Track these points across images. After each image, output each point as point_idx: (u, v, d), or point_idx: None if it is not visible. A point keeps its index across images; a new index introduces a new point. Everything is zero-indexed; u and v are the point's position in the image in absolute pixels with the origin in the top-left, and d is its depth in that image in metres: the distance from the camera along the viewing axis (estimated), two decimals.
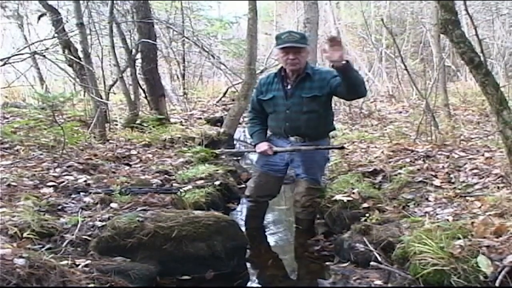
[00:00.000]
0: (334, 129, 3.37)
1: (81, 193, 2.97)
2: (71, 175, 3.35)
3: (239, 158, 5.74)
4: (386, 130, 5.80)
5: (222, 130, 6.11)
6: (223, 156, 4.91)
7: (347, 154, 4.61)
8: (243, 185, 4.03)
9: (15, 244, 2.04)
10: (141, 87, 6.26)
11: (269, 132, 3.32)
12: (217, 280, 2.39)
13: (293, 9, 14.27)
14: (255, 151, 3.30)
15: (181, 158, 4.36)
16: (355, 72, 2.73)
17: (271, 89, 3.13)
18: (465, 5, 3.57)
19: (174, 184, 3.52)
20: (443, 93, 5.39)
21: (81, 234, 2.31)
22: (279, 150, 3.15)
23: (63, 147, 3.84)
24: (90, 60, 5.05)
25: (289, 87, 3.07)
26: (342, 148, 3.57)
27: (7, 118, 5.48)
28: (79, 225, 2.37)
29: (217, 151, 4.45)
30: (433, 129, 4.59)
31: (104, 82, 6.74)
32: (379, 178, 3.48)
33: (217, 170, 4.00)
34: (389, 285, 2.11)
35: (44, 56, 6.01)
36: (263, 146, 3.17)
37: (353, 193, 3.07)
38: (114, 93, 7.46)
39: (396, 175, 3.36)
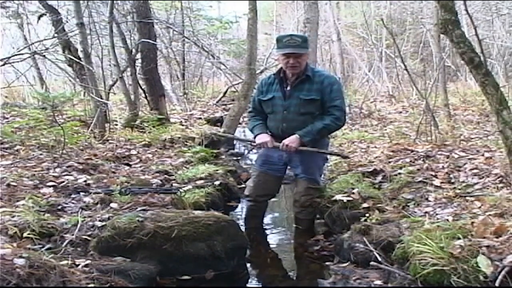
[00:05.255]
0: None
1: (81, 193, 2.97)
2: (71, 175, 3.35)
3: (239, 158, 5.74)
4: (386, 130, 5.81)
5: (222, 130, 6.10)
6: (223, 156, 4.91)
7: None
8: (243, 185, 4.03)
9: (15, 244, 2.04)
10: (141, 87, 6.26)
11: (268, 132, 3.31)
12: (217, 280, 2.39)
13: (293, 9, 14.27)
14: (254, 142, 3.23)
15: (181, 158, 4.36)
16: (316, 136, 3.01)
17: (271, 90, 3.14)
18: (465, 5, 3.58)
19: (174, 184, 3.52)
20: (443, 93, 5.39)
21: (81, 234, 2.31)
22: (278, 145, 3.06)
23: (63, 147, 3.84)
24: (90, 60, 5.06)
25: (288, 88, 3.08)
26: (346, 157, 3.56)
27: (7, 118, 5.48)
28: (79, 225, 2.36)
29: (214, 132, 4.33)
30: (433, 129, 4.60)
31: (104, 82, 6.74)
32: (379, 178, 3.48)
33: (217, 170, 4.01)
34: (389, 285, 2.11)
35: (44, 56, 6.02)
36: (263, 137, 3.11)
37: (353, 193, 3.07)
38: (114, 93, 7.46)
39: (396, 175, 3.36)
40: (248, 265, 2.66)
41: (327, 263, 2.59)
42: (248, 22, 6.10)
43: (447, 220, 2.33)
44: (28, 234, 2.19)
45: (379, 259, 2.24)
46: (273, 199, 3.43)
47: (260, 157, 3.31)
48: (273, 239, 3.17)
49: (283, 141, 3.00)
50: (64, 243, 2.23)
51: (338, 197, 3.06)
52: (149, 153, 4.53)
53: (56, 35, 5.69)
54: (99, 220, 2.44)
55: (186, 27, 9.56)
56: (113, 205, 2.76)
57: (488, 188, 2.75)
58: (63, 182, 3.14)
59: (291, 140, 2.98)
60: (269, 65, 9.40)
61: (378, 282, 2.15)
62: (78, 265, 1.99)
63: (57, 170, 3.44)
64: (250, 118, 3.34)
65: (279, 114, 3.09)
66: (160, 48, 8.34)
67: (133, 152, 4.46)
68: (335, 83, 3.09)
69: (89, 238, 2.29)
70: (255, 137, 3.19)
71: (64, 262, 1.94)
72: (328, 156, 3.62)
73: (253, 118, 3.29)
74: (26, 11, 7.21)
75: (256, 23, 6.19)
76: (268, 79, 3.20)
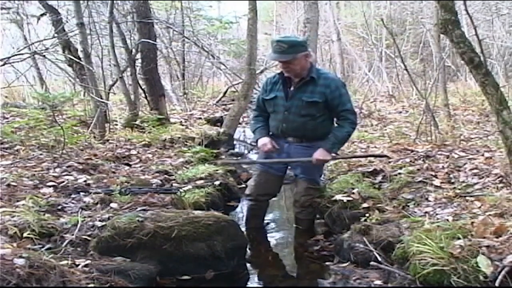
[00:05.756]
0: None
1: (81, 193, 2.97)
2: (71, 175, 3.35)
3: (239, 158, 5.73)
4: (386, 130, 5.80)
5: (222, 130, 6.10)
6: (223, 156, 4.91)
7: None
8: (243, 185, 4.03)
9: (15, 244, 2.04)
10: (141, 87, 6.25)
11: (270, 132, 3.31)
12: (217, 280, 2.39)
13: (293, 9, 14.26)
14: (256, 162, 3.26)
15: (181, 158, 4.36)
16: (341, 146, 3.20)
17: (274, 89, 3.14)
18: (465, 5, 3.58)
19: (174, 184, 3.52)
20: (443, 93, 5.39)
21: (81, 234, 2.31)
22: (311, 159, 3.02)
23: (63, 147, 3.84)
24: (90, 60, 5.05)
25: (291, 88, 3.07)
26: (387, 157, 3.57)
27: (7, 118, 5.48)
28: (79, 225, 2.37)
29: (225, 161, 4.38)
30: (433, 129, 4.60)
31: (104, 82, 6.74)
32: (379, 178, 3.48)
33: (217, 170, 4.00)
34: (389, 285, 2.12)
35: (44, 56, 6.02)
36: (264, 140, 3.13)
37: (353, 193, 3.07)
38: (114, 93, 7.46)
39: (396, 175, 3.36)
40: (248, 265, 2.66)
41: (327, 263, 2.59)
42: (248, 22, 6.10)
43: (447, 220, 2.33)
44: (28, 234, 2.19)
45: (379, 259, 2.24)
46: (273, 199, 3.43)
47: (261, 156, 3.31)
48: (273, 239, 3.17)
49: (314, 156, 2.99)
50: (64, 243, 2.23)
51: (338, 197, 3.06)
52: (149, 153, 4.53)
53: (56, 35, 5.69)
54: (99, 220, 2.44)
55: (186, 27, 9.55)
56: (113, 205, 2.76)
57: (488, 188, 2.75)
58: (63, 182, 3.14)
59: (323, 155, 3.00)
60: (269, 65, 9.38)
61: (378, 282, 2.15)
62: (78, 265, 1.99)
63: (57, 170, 3.45)
64: (253, 117, 3.34)
65: (280, 114, 3.09)
66: (160, 48, 8.33)
67: (133, 152, 4.46)
68: (342, 86, 3.10)
69: (89, 238, 2.29)
70: (256, 141, 3.23)
71: (64, 262, 1.94)
72: None
73: (255, 119, 3.30)
74: (26, 12, 7.20)
75: (256, 23, 6.19)
76: (273, 78, 3.20)
